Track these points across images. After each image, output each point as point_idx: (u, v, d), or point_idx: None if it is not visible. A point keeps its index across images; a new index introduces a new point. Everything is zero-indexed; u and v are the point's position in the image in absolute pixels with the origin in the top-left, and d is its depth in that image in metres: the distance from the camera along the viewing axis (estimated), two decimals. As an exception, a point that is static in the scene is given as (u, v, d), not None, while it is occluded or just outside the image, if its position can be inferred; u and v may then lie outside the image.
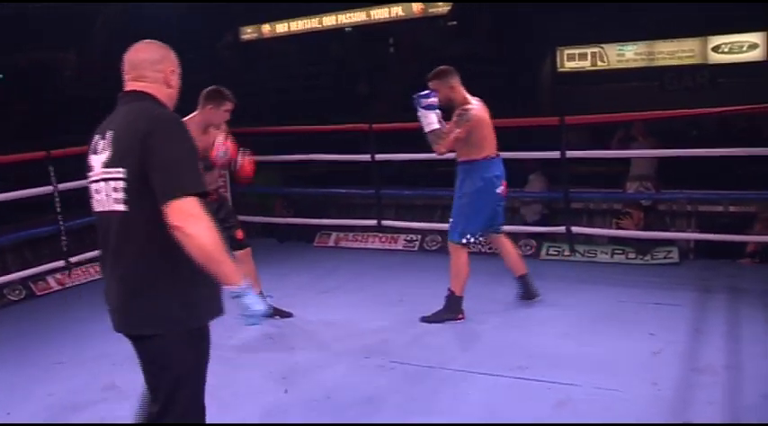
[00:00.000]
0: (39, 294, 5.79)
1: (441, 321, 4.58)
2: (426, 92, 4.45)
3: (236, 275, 2.27)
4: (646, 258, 5.74)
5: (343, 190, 7.52)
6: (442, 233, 6.57)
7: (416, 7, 13.88)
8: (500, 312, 4.84)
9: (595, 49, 13.35)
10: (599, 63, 13.39)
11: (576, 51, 13.43)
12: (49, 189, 5.79)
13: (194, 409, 2.42)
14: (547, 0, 12.19)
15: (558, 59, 13.43)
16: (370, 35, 14.54)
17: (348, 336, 4.50)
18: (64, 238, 5.91)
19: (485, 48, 13.40)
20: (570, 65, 13.53)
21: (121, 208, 2.24)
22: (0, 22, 8.42)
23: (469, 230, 4.57)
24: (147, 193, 2.19)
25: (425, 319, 4.63)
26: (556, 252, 6.06)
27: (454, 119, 4.46)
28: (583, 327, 4.46)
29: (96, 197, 2.32)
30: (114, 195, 2.24)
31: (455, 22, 13.99)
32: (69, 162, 6.37)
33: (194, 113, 4.38)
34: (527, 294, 4.88)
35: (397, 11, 14.02)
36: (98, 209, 2.32)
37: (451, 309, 4.63)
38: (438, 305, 4.72)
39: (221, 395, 3.49)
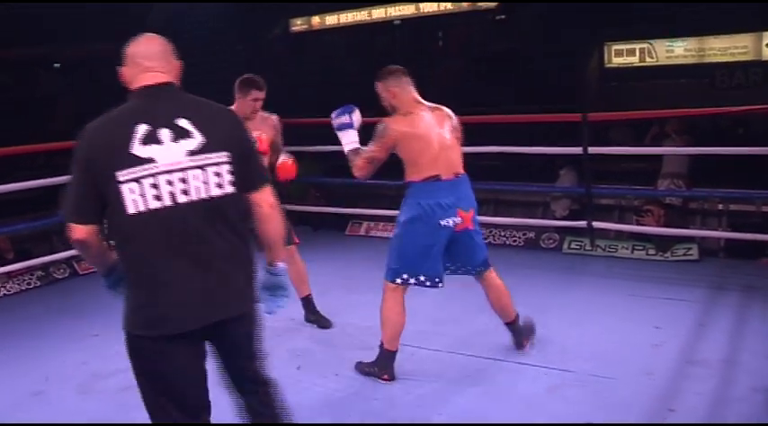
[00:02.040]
0: (81, 273, 6.15)
1: (364, 373, 3.87)
2: (341, 109, 3.85)
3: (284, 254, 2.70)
4: (665, 255, 5.81)
5: (375, 181, 7.68)
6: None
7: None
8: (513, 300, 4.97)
9: (644, 45, 13.23)
10: (647, 59, 13.26)
11: (624, 47, 13.33)
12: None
13: None
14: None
15: (606, 55, 13.35)
16: (418, 28, 14.67)
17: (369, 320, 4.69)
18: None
19: (531, 43, 13.43)
20: (618, 60, 13.43)
21: (230, 189, 2.27)
22: (57, 13, 8.82)
23: (405, 269, 3.69)
24: (240, 177, 2.31)
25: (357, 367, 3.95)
26: (578, 247, 6.17)
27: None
28: (590, 318, 4.59)
29: (170, 189, 2.18)
30: (217, 180, 2.24)
31: (503, 17, 14.02)
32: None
33: (232, 106, 4.34)
34: (518, 341, 4.08)
35: (446, 5, 14.11)
36: (178, 201, 2.19)
37: (379, 364, 3.84)
38: (451, 293, 4.87)
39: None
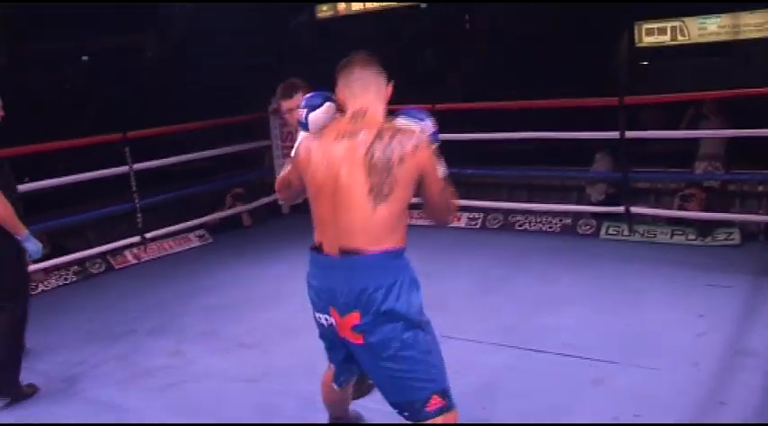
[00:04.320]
0: (117, 267, 6.17)
1: None
2: (312, 94, 2.64)
3: (21, 228, 3.66)
4: (706, 239, 5.68)
5: None
6: (505, 212, 6.72)
7: (492, -17, 13.77)
8: (552, 291, 4.91)
9: (676, 23, 12.97)
10: (679, 37, 13.00)
11: (656, 26, 13.08)
12: (125, 169, 6.16)
13: None
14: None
15: (636, 34, 13.12)
16: (445, 11, 14.52)
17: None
18: (139, 215, 6.28)
19: (561, 25, 13.23)
20: (649, 40, 13.19)
21: None
22: (84, 4, 8.81)
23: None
24: None
25: None
26: (615, 232, 6.06)
27: None
28: (632, 307, 4.50)
29: None
30: None
31: (531, -2, 13.82)
32: (145, 142, 6.77)
33: None
34: None
35: (473, -14, 13.93)
36: None
37: None
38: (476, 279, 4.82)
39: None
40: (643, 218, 6.30)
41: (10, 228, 3.65)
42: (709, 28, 12.91)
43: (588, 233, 6.21)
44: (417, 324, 2.33)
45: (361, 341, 2.31)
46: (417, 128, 2.35)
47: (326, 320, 2.37)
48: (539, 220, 6.49)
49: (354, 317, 2.28)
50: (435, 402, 2.35)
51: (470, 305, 4.71)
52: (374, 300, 2.25)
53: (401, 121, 2.39)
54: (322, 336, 2.50)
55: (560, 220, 6.45)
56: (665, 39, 13.16)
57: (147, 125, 6.85)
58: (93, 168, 6.20)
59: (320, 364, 2.76)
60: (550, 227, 6.41)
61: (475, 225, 6.81)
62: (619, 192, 7.22)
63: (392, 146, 2.26)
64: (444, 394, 2.38)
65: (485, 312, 4.58)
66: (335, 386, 2.63)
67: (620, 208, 6.06)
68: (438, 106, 6.84)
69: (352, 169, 2.26)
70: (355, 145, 2.29)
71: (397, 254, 2.31)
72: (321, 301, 2.37)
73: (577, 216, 6.50)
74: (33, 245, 3.75)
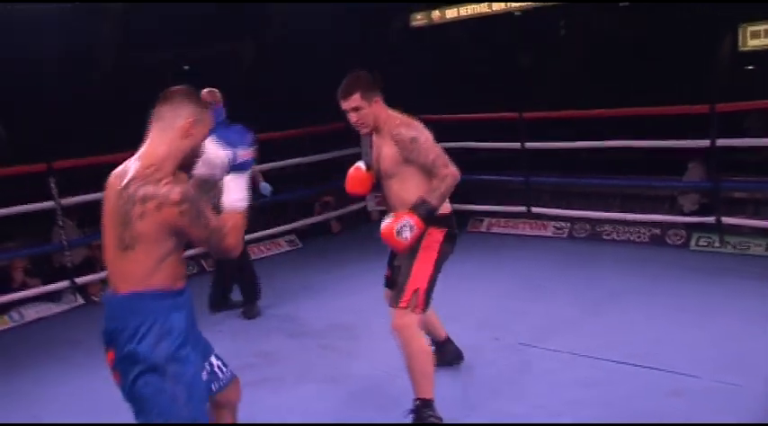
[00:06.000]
0: (208, 269, 6.36)
1: None
2: (238, 130, 2.48)
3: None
4: (804, 253, 5.47)
5: (493, 177, 7.51)
6: (591, 221, 6.64)
7: (588, -12, 13.56)
8: (635, 302, 4.84)
9: (786, 25, 12.42)
10: (790, 41, 12.46)
11: (762, 28, 12.56)
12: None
13: None
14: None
15: (741, 37, 12.63)
16: (540, 19, 14.39)
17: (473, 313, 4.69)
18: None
19: (660, 30, 12.91)
20: (754, 43, 12.68)
21: None
22: (182, 15, 9.18)
23: None
24: None
25: None
26: (706, 244, 5.90)
27: None
28: (717, 320, 4.40)
29: None
30: None
31: (627, 3, 13.55)
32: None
33: None
34: None
35: (568, -8, 13.75)
36: None
37: None
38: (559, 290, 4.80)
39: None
40: (738, 230, 6.11)
41: None
42: (822, 30, 12.32)
43: (677, 244, 6.07)
44: (158, 370, 2.25)
45: (118, 380, 2.32)
46: (168, 184, 2.17)
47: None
48: (627, 230, 6.38)
49: (110, 355, 2.31)
50: None
51: (551, 315, 4.70)
52: (121, 341, 2.26)
53: (207, 145, 2.35)
54: None
55: (649, 230, 6.32)
56: (773, 42, 12.62)
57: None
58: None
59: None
60: (639, 237, 6.31)
61: (561, 234, 6.75)
62: (714, 203, 7.02)
63: (136, 197, 2.17)
64: None
65: (565, 322, 4.56)
66: None
67: (711, 219, 5.88)
68: (526, 115, 6.84)
69: (107, 212, 2.27)
70: (113, 186, 2.26)
71: (151, 296, 2.26)
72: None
73: (668, 226, 6.35)
74: (263, 189, 5.61)
